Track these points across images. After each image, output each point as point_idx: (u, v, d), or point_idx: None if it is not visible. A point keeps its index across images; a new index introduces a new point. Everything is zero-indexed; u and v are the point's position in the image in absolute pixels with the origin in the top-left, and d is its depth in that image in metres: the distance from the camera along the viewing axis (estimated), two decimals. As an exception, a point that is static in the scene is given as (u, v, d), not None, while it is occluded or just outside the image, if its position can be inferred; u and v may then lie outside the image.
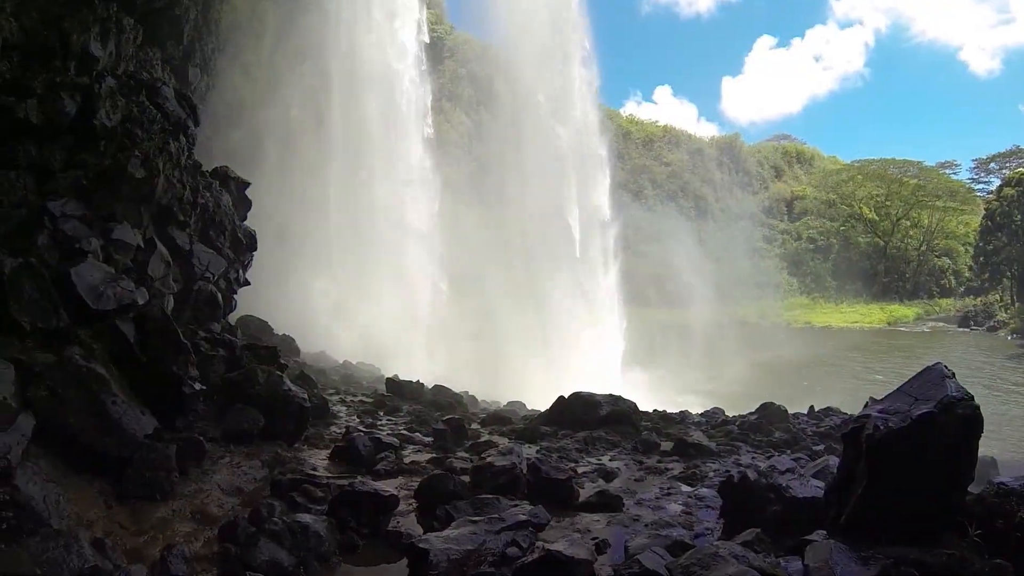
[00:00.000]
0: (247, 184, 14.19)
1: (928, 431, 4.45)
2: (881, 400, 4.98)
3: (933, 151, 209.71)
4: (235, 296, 13.14)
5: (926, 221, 69.62)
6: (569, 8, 32.21)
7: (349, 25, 24.13)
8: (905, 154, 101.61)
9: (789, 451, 9.80)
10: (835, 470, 5.31)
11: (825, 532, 4.76)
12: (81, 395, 5.68)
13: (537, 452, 8.72)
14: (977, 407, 4.52)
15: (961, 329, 52.53)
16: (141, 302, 7.21)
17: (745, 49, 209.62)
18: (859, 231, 70.59)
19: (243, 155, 18.28)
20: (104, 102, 9.26)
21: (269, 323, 15.86)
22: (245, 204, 14.04)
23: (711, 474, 8.14)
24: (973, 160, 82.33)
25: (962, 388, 4.61)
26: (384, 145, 24.88)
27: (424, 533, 5.47)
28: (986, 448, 4.85)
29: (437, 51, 37.55)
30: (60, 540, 4.19)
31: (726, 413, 13.56)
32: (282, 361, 9.37)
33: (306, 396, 8.50)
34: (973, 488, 4.72)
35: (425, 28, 28.36)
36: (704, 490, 7.40)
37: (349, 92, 24.05)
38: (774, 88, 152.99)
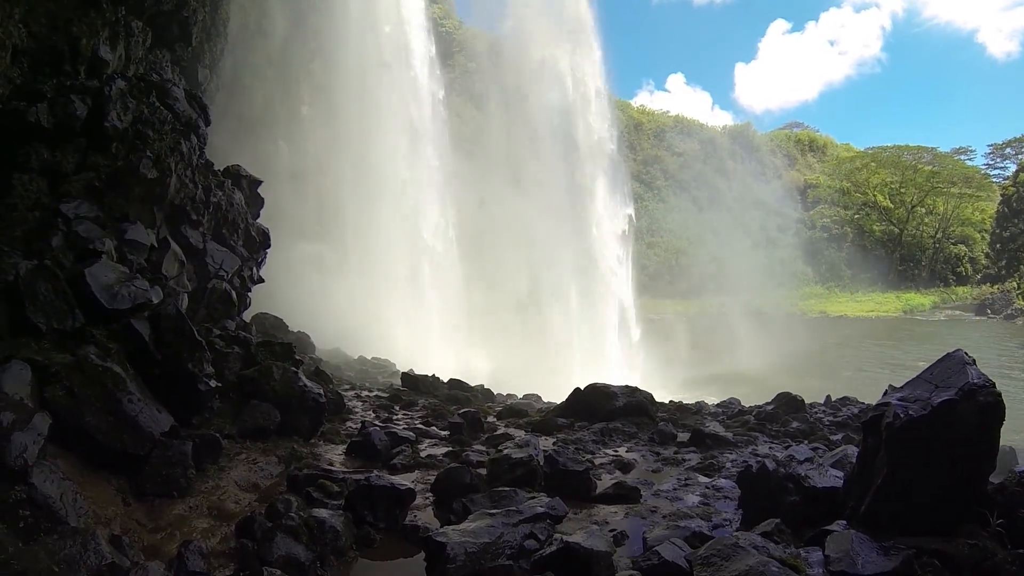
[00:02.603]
0: (259, 182, 14.23)
1: (949, 419, 4.38)
2: (901, 388, 4.91)
3: (948, 136, 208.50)
4: (249, 294, 13.19)
5: (941, 208, 68.75)
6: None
7: (359, 24, 24.09)
8: (920, 140, 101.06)
9: (807, 441, 9.70)
10: (854, 460, 5.25)
11: (845, 522, 4.71)
12: (97, 394, 5.71)
13: (554, 444, 8.67)
14: (999, 394, 4.44)
15: (978, 317, 51.89)
16: (156, 301, 7.23)
17: (759, 34, 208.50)
18: (874, 219, 69.72)
19: (255, 153, 18.36)
20: (115, 104, 9.29)
21: (284, 320, 15.91)
22: (258, 202, 14.08)
23: (728, 465, 8.08)
24: (988, 146, 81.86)
25: (983, 375, 4.53)
26: (397, 140, 24.85)
27: (441, 527, 5.48)
28: (1006, 437, 4.77)
29: (446, 46, 37.45)
30: (77, 538, 4.21)
31: (742, 403, 13.48)
32: (297, 357, 9.38)
33: (321, 392, 8.53)
34: (994, 478, 4.66)
35: (431, 24, 28.29)
36: (722, 481, 7.35)
37: (359, 90, 24.05)
38: (789, 74, 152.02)
